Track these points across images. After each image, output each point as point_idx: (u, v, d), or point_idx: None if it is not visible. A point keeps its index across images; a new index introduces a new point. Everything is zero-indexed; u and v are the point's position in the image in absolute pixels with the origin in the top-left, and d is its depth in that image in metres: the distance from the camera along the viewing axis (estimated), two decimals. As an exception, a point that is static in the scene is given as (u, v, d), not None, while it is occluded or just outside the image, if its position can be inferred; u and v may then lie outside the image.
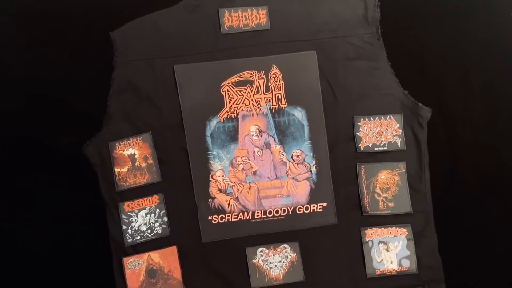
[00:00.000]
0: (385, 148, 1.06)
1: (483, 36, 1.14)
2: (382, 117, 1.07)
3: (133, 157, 1.04)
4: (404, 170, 1.06)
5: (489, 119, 1.13)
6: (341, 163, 1.06)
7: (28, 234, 1.10)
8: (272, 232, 1.04)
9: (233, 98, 1.05)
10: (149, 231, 1.03)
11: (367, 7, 1.07)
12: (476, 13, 1.14)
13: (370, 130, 1.06)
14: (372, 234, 1.05)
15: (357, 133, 1.06)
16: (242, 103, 1.06)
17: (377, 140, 1.06)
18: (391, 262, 1.04)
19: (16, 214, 1.10)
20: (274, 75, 1.06)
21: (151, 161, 1.04)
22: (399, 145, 1.06)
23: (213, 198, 1.04)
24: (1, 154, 1.10)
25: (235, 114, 1.05)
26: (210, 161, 1.05)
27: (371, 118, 1.06)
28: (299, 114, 1.06)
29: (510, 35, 1.14)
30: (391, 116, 1.07)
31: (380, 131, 1.06)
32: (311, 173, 1.05)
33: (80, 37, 1.12)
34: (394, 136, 1.07)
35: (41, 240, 1.10)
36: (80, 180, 1.08)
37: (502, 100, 1.13)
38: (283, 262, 1.04)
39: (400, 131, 1.07)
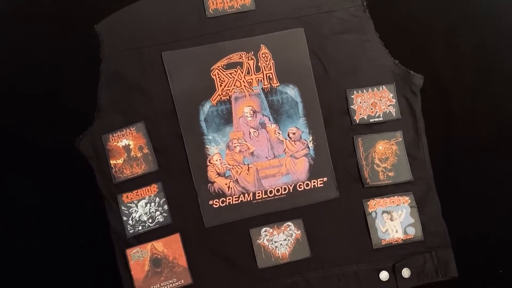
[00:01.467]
0: (381, 119, 1.06)
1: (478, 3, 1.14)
2: (375, 88, 1.06)
3: (128, 148, 1.03)
4: (401, 139, 1.06)
5: (482, 82, 1.13)
6: (338, 137, 1.05)
7: (27, 235, 1.08)
8: (274, 211, 1.03)
9: (224, 81, 1.04)
10: (150, 220, 1.02)
11: (351, -21, 1.06)
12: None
13: (364, 102, 1.06)
14: (375, 205, 1.04)
15: (351, 106, 1.05)
16: (234, 85, 1.05)
17: (372, 112, 1.06)
18: (396, 231, 1.04)
19: (13, 215, 1.08)
20: (263, 55, 1.05)
21: (147, 150, 1.03)
22: (394, 115, 1.06)
23: (213, 183, 1.03)
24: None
25: (228, 97, 1.04)
26: (206, 146, 1.03)
27: (364, 90, 1.06)
28: (291, 91, 1.05)
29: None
30: (383, 86, 1.06)
31: (374, 102, 1.06)
32: (309, 149, 1.05)
33: (63, 33, 1.10)
34: (389, 106, 1.06)
35: (41, 241, 1.08)
36: (76, 177, 1.06)
37: (493, 62, 1.13)
38: (288, 240, 1.03)
39: (394, 100, 1.06)
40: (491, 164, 1.12)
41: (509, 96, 1.13)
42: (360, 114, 1.06)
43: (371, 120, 1.06)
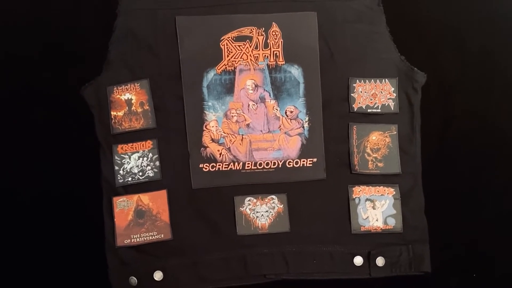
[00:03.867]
0: (378, 110, 1.07)
1: (483, 2, 1.15)
2: (378, 80, 1.08)
3: (129, 102, 1.06)
4: (395, 133, 1.07)
5: (484, 86, 1.14)
6: (334, 121, 1.07)
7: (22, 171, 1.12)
8: (261, 183, 1.06)
9: (231, 52, 1.07)
10: (140, 173, 1.05)
11: (370, -28, 1.08)
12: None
13: (365, 92, 1.08)
14: (360, 192, 1.06)
15: (351, 94, 1.07)
16: (240, 58, 1.07)
17: (371, 102, 1.08)
18: (377, 220, 1.05)
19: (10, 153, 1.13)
20: (273, 33, 1.07)
21: (147, 107, 1.06)
22: (392, 108, 1.08)
23: (206, 147, 1.06)
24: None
25: (233, 68, 1.07)
26: (205, 111, 1.06)
27: (367, 81, 1.08)
28: (295, 71, 1.07)
29: (510, 2, 1.15)
30: (386, 79, 1.08)
31: (374, 93, 1.08)
32: (304, 129, 1.07)
33: None
34: (388, 99, 1.08)
35: (36, 177, 1.12)
36: (77, 122, 1.10)
37: (498, 67, 1.14)
38: (270, 212, 1.06)
39: (395, 94, 1.08)
40: (482, 167, 1.13)
41: (510, 102, 1.14)
42: (359, 103, 1.07)
43: (368, 110, 1.07)
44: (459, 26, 1.14)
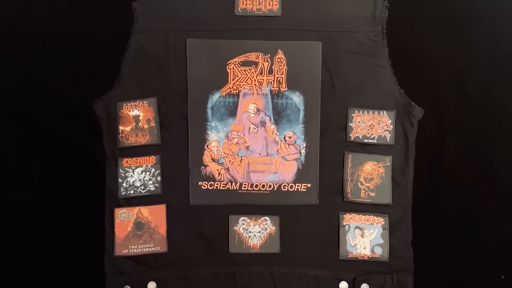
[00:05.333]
0: (374, 141, 1.11)
1: (485, 41, 1.17)
2: (376, 112, 1.11)
3: (137, 118, 1.11)
4: (389, 164, 1.11)
5: (480, 123, 1.17)
6: (330, 149, 1.11)
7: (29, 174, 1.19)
8: (255, 204, 1.11)
9: (237, 76, 1.11)
10: (142, 187, 1.11)
11: (376, 6, 1.11)
12: (480, 18, 1.17)
13: (363, 122, 1.11)
14: (350, 219, 1.10)
15: (349, 124, 1.11)
16: (245, 82, 1.11)
17: (368, 133, 1.11)
18: (364, 248, 1.09)
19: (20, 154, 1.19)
20: (278, 60, 1.11)
21: (153, 124, 1.11)
22: (388, 140, 1.11)
23: (206, 166, 1.11)
24: (15, 93, 1.18)
25: (237, 91, 1.11)
26: (208, 131, 1.11)
27: (365, 111, 1.11)
28: (297, 98, 1.11)
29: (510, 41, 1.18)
30: (384, 111, 1.11)
31: (372, 124, 1.11)
32: (300, 154, 1.11)
33: (103, 3, 1.19)
34: (385, 131, 1.11)
35: (42, 184, 1.19)
36: (87, 133, 1.16)
37: (495, 105, 1.17)
38: (262, 233, 1.10)
39: (391, 127, 1.11)
40: (471, 202, 1.16)
41: (504, 141, 1.17)
42: (356, 133, 1.11)
43: (365, 140, 1.11)
44: (459, 63, 1.17)
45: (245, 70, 1.11)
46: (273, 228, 1.10)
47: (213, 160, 1.11)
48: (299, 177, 1.11)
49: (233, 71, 1.11)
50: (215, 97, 1.11)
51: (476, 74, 1.17)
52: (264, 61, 1.11)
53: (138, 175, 1.11)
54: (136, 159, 1.11)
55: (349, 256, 1.09)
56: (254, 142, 1.12)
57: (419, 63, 1.18)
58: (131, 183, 1.11)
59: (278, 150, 1.11)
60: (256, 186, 1.11)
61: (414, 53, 1.18)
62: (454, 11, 1.17)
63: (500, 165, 1.17)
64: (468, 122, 1.17)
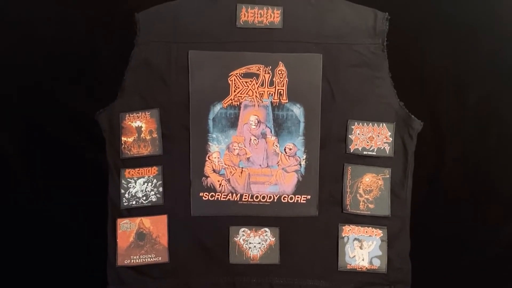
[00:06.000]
0: (374, 153, 1.12)
1: (485, 54, 1.18)
2: (376, 124, 1.12)
3: (139, 129, 1.13)
4: (388, 176, 1.12)
5: (479, 136, 1.18)
6: (330, 161, 1.12)
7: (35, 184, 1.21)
8: (256, 215, 1.12)
9: (238, 87, 1.13)
10: (144, 198, 1.12)
11: (377, 19, 1.12)
12: (480, 31, 1.17)
13: (362, 134, 1.12)
14: (349, 231, 1.11)
15: (349, 136, 1.12)
16: (246, 94, 1.13)
17: (367, 145, 1.12)
18: (363, 259, 1.11)
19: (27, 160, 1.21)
20: (279, 72, 1.12)
21: (156, 135, 1.13)
22: (387, 152, 1.12)
23: (207, 177, 1.13)
24: (20, 103, 1.20)
25: (238, 103, 1.13)
26: (209, 143, 1.13)
27: (365, 123, 1.12)
28: (297, 110, 1.13)
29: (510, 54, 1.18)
30: (384, 124, 1.12)
31: (371, 136, 1.12)
32: (300, 166, 1.12)
33: (106, 14, 1.19)
34: (384, 143, 1.13)
35: (47, 191, 1.20)
36: (90, 143, 1.18)
37: (494, 119, 1.18)
38: (262, 244, 1.12)
39: (391, 139, 1.12)
40: (469, 214, 1.18)
41: (504, 153, 1.18)
42: (356, 145, 1.12)
43: (364, 153, 1.12)
44: (459, 76, 1.18)
45: (246, 82, 1.13)
46: (273, 239, 1.12)
47: (214, 171, 1.13)
48: (299, 188, 1.12)
49: (234, 83, 1.13)
50: (216, 109, 1.13)
51: (475, 87, 1.18)
52: (265, 73, 1.12)
53: (140, 186, 1.12)
54: (138, 170, 1.13)
55: (348, 267, 1.10)
56: (254, 153, 1.13)
57: (419, 75, 1.18)
58: (133, 194, 1.12)
59: (278, 162, 1.13)
60: (257, 197, 1.12)
61: (413, 65, 1.18)
62: (454, 24, 1.18)
63: (498, 178, 1.18)
64: (467, 134, 1.18)
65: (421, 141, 1.13)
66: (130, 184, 1.12)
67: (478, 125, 1.18)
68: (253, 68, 1.13)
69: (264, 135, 1.13)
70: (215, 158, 1.13)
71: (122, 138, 1.13)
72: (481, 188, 1.18)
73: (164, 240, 1.12)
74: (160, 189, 1.12)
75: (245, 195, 1.12)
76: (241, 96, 1.13)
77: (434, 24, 1.18)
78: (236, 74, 1.12)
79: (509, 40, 1.18)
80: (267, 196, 1.12)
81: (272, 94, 1.13)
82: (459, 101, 1.18)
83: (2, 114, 1.19)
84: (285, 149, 1.13)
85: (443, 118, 1.18)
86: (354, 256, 1.11)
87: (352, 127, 1.12)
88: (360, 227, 1.11)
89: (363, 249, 1.11)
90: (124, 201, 1.12)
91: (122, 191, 1.12)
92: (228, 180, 1.13)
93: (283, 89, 1.13)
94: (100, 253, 1.13)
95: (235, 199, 1.13)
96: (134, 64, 1.12)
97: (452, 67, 1.18)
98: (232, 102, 1.13)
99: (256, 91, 1.13)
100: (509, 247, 1.17)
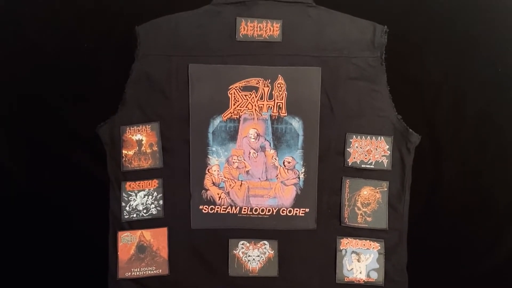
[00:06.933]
0: (372, 167, 1.13)
1: (483, 67, 1.18)
2: (374, 137, 1.13)
3: (140, 142, 1.14)
4: (386, 189, 1.13)
5: (477, 150, 1.19)
6: (328, 174, 1.13)
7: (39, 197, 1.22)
8: (255, 228, 1.14)
9: (238, 101, 1.14)
10: (144, 211, 1.14)
11: (376, 32, 1.12)
12: (479, 43, 1.18)
13: (360, 147, 1.13)
14: (347, 244, 1.13)
15: (347, 149, 1.13)
16: (246, 107, 1.14)
17: (365, 158, 1.14)
18: (360, 272, 1.12)
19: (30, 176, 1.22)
20: (279, 85, 1.13)
21: (156, 148, 1.14)
22: (385, 166, 1.13)
23: (206, 190, 1.14)
24: (21, 117, 1.21)
25: (238, 116, 1.14)
26: (209, 156, 1.14)
27: (363, 137, 1.13)
28: (296, 124, 1.14)
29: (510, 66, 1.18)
30: (382, 137, 1.13)
31: (369, 150, 1.14)
32: (299, 179, 1.14)
33: (107, 28, 1.20)
34: (382, 156, 1.14)
35: (49, 204, 1.22)
36: (91, 156, 1.19)
37: (493, 132, 1.19)
38: (261, 257, 1.13)
39: (389, 152, 1.13)
40: (466, 227, 1.19)
41: (502, 166, 1.19)
42: (354, 158, 1.13)
43: (362, 166, 1.13)
44: (457, 88, 1.19)
45: (245, 95, 1.13)
46: (272, 252, 1.13)
47: (214, 184, 1.14)
48: (298, 202, 1.13)
49: (234, 96, 1.13)
50: (216, 122, 1.14)
51: (474, 100, 1.19)
52: (264, 86, 1.13)
53: (141, 199, 1.14)
54: (139, 183, 1.14)
55: (345, 280, 1.12)
56: (254, 166, 1.14)
57: (417, 88, 1.19)
58: (134, 207, 1.14)
59: (277, 175, 1.14)
60: (256, 210, 1.14)
61: (412, 78, 1.19)
62: (452, 36, 1.18)
63: (496, 191, 1.19)
64: (465, 147, 1.19)
65: (419, 154, 1.14)
66: (131, 197, 1.14)
67: (476, 138, 1.19)
68: (253, 82, 1.13)
69: (263, 148, 1.14)
70: (214, 171, 1.14)
71: (123, 151, 1.14)
72: (479, 201, 1.19)
73: (164, 252, 1.13)
74: (161, 202, 1.14)
75: (245, 208, 1.14)
76: (241, 109, 1.14)
77: (432, 37, 1.18)
78: (236, 87, 1.13)
79: (508, 51, 1.18)
80: (266, 209, 1.14)
81: (271, 107, 1.14)
82: (457, 113, 1.19)
83: (3, 128, 1.21)
84: (284, 162, 1.14)
85: (441, 131, 1.19)
86: (352, 269, 1.12)
87: (351, 140, 1.13)
88: (358, 240, 1.13)
89: (360, 262, 1.12)
90: (125, 214, 1.14)
91: (123, 204, 1.14)
92: (228, 193, 1.14)
93: (282, 102, 1.13)
94: (102, 266, 1.14)
95: (235, 212, 1.14)
96: (134, 77, 1.13)
97: (450, 79, 1.18)
98: (231, 115, 1.14)
99: (255, 104, 1.14)
100: (506, 261, 1.18)
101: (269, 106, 1.14)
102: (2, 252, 1.22)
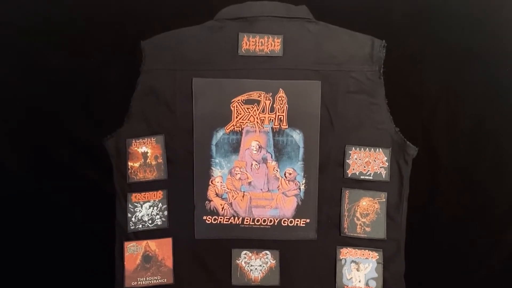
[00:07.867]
0: (370, 178, 1.16)
1: (480, 78, 1.20)
2: (372, 149, 1.16)
3: (145, 154, 1.17)
4: (384, 200, 1.16)
5: (474, 161, 1.21)
6: (328, 185, 1.16)
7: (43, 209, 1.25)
8: (257, 238, 1.17)
9: (240, 114, 1.17)
10: (150, 221, 1.17)
11: (374, 46, 1.15)
12: (476, 54, 1.20)
13: (359, 159, 1.17)
14: (347, 253, 1.16)
15: (347, 160, 1.16)
16: (248, 120, 1.17)
17: (364, 169, 1.17)
18: (359, 281, 1.15)
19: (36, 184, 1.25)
20: (280, 98, 1.16)
21: (161, 160, 1.17)
22: (383, 177, 1.16)
23: (210, 201, 1.17)
24: (28, 129, 1.24)
25: (240, 129, 1.17)
26: (212, 167, 1.17)
27: (362, 149, 1.16)
28: (297, 136, 1.17)
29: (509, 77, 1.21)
30: (380, 149, 1.16)
31: (368, 161, 1.17)
32: (300, 190, 1.17)
33: (113, 43, 1.23)
34: (380, 168, 1.17)
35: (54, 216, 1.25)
36: (98, 168, 1.22)
37: (489, 144, 1.21)
38: (263, 266, 1.17)
39: (387, 164, 1.16)
40: (463, 237, 1.21)
41: (499, 178, 1.21)
42: (353, 169, 1.17)
43: (361, 177, 1.16)
44: (455, 102, 1.21)
45: (248, 108, 1.16)
46: (273, 261, 1.16)
47: (217, 195, 1.17)
48: (299, 212, 1.17)
49: (236, 109, 1.16)
50: (219, 134, 1.17)
51: (471, 112, 1.21)
52: (266, 100, 1.16)
53: (146, 210, 1.17)
54: (144, 194, 1.17)
55: (345, 288, 1.15)
56: (256, 178, 1.18)
57: (415, 101, 1.21)
58: (140, 218, 1.17)
59: (278, 186, 1.17)
60: (258, 220, 1.17)
61: (410, 91, 1.21)
62: (450, 50, 1.21)
63: (494, 202, 1.21)
64: (462, 159, 1.21)
65: (416, 166, 1.17)
66: (136, 208, 1.17)
67: (473, 150, 1.21)
68: (254, 95, 1.16)
69: (265, 160, 1.17)
70: (218, 182, 1.17)
71: (129, 163, 1.17)
72: (476, 211, 1.21)
73: (169, 262, 1.16)
74: (165, 212, 1.17)
75: (247, 219, 1.17)
76: (243, 122, 1.17)
77: (429, 51, 1.21)
78: (238, 100, 1.16)
79: (504, 63, 1.21)
80: (268, 219, 1.17)
81: (272, 120, 1.17)
82: (455, 126, 1.21)
83: (10, 141, 1.23)
84: (285, 174, 1.17)
85: (438, 142, 1.21)
86: (351, 278, 1.15)
87: (350, 152, 1.16)
88: (357, 249, 1.16)
89: (359, 271, 1.15)
90: (131, 224, 1.17)
91: (129, 215, 1.17)
92: (231, 204, 1.17)
93: (283, 115, 1.16)
94: (109, 276, 1.17)
95: (237, 222, 1.17)
96: (140, 91, 1.16)
97: (447, 92, 1.21)
98: (234, 128, 1.17)
99: (257, 117, 1.17)
100: (502, 272, 1.21)
101: (270, 119, 1.17)
102: (7, 263, 1.25)
